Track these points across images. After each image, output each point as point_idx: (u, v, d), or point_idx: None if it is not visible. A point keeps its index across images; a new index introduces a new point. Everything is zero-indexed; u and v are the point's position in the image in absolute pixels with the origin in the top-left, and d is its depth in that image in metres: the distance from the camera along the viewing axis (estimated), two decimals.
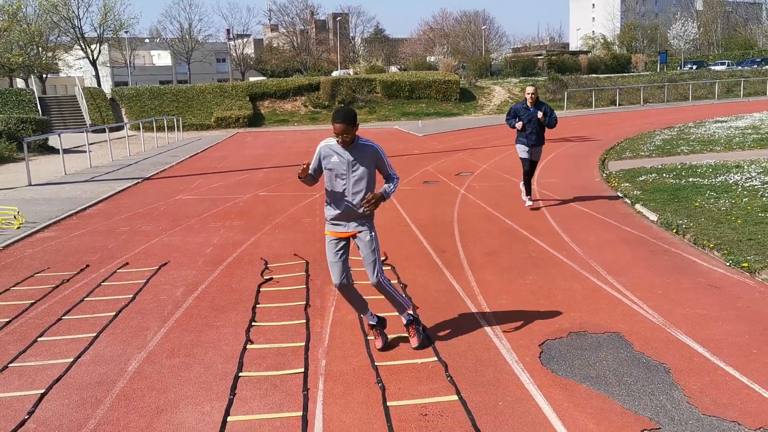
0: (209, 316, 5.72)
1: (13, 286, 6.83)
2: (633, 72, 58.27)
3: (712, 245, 7.33)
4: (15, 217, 9.93)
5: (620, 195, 10.90)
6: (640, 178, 11.98)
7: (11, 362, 4.83)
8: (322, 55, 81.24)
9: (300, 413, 3.90)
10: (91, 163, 18.31)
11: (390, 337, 4.98)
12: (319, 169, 4.62)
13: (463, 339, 4.99)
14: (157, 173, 16.53)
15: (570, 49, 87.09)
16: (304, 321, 5.49)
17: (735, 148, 15.80)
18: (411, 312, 4.98)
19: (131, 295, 6.37)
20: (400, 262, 7.31)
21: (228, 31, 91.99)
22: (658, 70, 59.47)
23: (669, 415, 3.75)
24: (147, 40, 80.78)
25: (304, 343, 4.99)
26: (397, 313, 4.93)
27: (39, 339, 5.27)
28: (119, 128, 31.01)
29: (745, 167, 12.20)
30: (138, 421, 3.91)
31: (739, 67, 56.50)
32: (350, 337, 5.11)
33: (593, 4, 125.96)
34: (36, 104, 35.13)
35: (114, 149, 21.04)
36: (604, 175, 13.26)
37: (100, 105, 37.53)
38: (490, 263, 7.14)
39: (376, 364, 4.60)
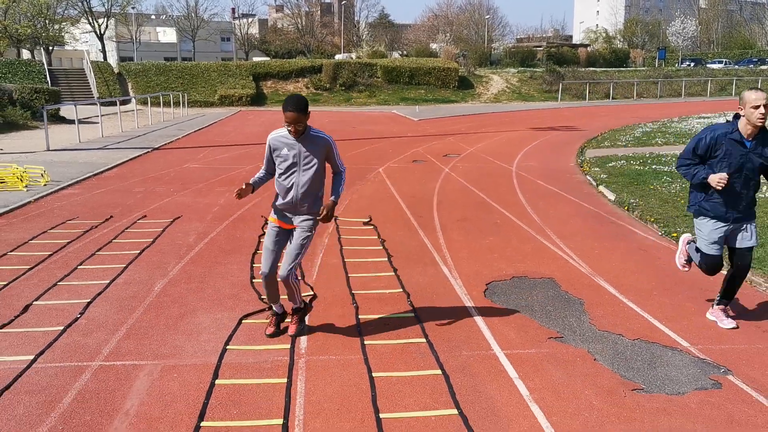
0: (218, 256, 6.87)
1: (50, 228, 7.97)
2: (631, 67, 59.21)
3: (652, 219, 8.49)
4: (42, 175, 11.04)
5: (588, 178, 12.03)
6: (610, 164, 13.11)
7: (59, 281, 5.98)
8: (326, 38, 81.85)
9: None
10: (103, 133, 19.37)
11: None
12: (271, 161, 4.52)
13: (426, 279, 6.15)
14: (165, 144, 17.62)
15: (573, 42, 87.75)
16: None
17: None
18: (301, 306, 4.81)
19: (151, 239, 7.52)
20: (382, 224, 8.45)
21: (233, 10, 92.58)
22: (657, 65, 60.41)
23: (572, 330, 4.92)
24: (153, 17, 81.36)
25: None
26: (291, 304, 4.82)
27: (79, 267, 6.43)
28: (127, 102, 31.99)
29: None
30: (165, 322, 5.06)
31: (736, 66, 57.45)
32: (335, 271, 6.26)
33: None
34: (45, 75, 36.06)
35: (119, 122, 22.08)
36: (579, 161, 14.39)
37: (107, 79, 38.48)
38: (459, 227, 8.29)
39: (353, 292, 5.76)
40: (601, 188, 10.94)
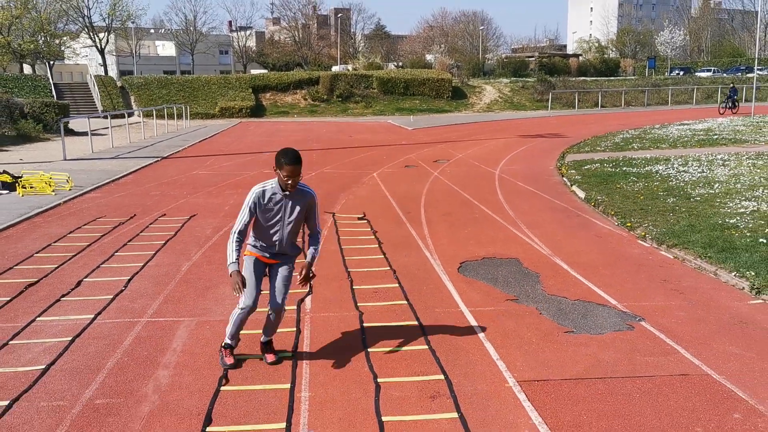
0: None
1: (84, 225, 9.11)
2: (621, 76, 60.60)
3: (613, 213, 9.64)
4: (67, 181, 12.17)
5: (564, 179, 13.20)
6: (585, 167, 14.28)
7: (102, 264, 7.11)
8: (323, 50, 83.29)
9: (306, 289, 6.19)
10: (113, 144, 20.53)
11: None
12: (251, 214, 4.37)
13: (410, 260, 7.29)
14: (173, 153, 18.77)
15: (566, 52, 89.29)
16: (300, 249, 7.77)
17: (678, 146, 18.12)
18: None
19: (173, 233, 8.66)
20: (374, 219, 9.58)
21: (230, 23, 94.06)
22: (647, 75, 61.81)
23: (526, 294, 6.06)
24: (152, 31, 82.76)
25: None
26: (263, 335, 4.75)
27: (115, 254, 7.56)
28: (131, 114, 33.14)
29: (672, 160, 14.53)
30: (195, 292, 6.19)
31: (724, 75, 58.84)
32: (333, 255, 7.39)
33: (591, 8, 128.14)
34: (51, 90, 37.26)
35: (127, 133, 23.24)
36: (558, 164, 15.56)
37: (111, 92, 39.69)
38: (442, 220, 9.44)
39: (349, 270, 6.89)
40: (574, 188, 12.10)
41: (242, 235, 4.38)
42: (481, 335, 5.07)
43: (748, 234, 7.77)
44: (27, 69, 59.68)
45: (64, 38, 58.27)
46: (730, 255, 6.90)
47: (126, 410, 3.93)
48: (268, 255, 4.54)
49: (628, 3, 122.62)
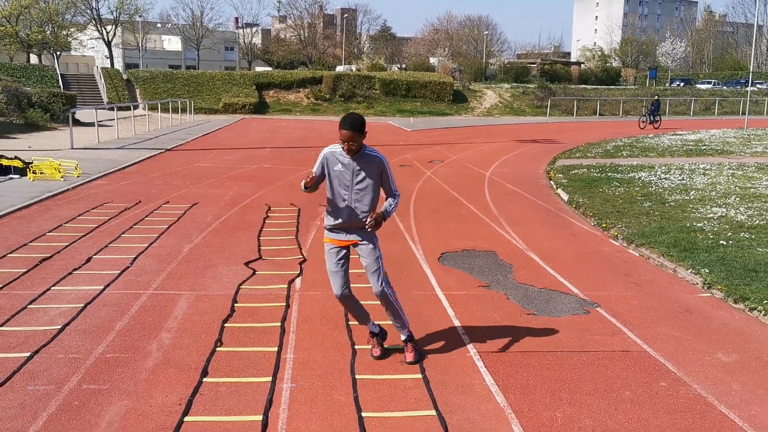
0: (231, 231, 8.59)
1: (92, 209, 9.69)
2: (622, 85, 61.22)
3: (591, 214, 10.21)
4: (75, 168, 12.75)
5: (551, 182, 13.77)
6: (573, 172, 14.85)
7: (110, 243, 7.68)
8: (328, 49, 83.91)
9: (296, 271, 6.76)
10: (119, 135, 21.12)
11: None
12: (322, 176, 4.40)
13: (395, 249, 7.86)
14: (177, 146, 19.36)
15: (570, 60, 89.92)
16: (294, 238, 8.35)
17: (666, 155, 18.70)
18: (410, 331, 4.73)
19: (176, 218, 9.23)
20: None
21: (236, 19, 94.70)
22: (647, 85, 62.43)
23: (497, 281, 6.64)
24: (159, 25, 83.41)
25: (297, 247, 7.85)
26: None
27: (122, 235, 8.14)
28: (136, 107, 33.72)
29: (656, 168, 15.11)
30: (195, 270, 6.77)
31: (723, 87, 59.46)
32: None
33: (596, 17, 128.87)
34: (58, 80, 37.87)
35: (132, 125, 23.82)
36: (548, 169, 16.13)
37: (116, 85, 40.28)
38: (429, 216, 10.02)
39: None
40: (559, 190, 12.68)
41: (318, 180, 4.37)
42: (451, 314, 5.65)
43: (711, 236, 8.34)
44: (33, 59, 60.36)
45: (72, 29, 58.96)
46: (690, 254, 7.47)
47: (133, 363, 4.50)
48: (341, 236, 4.48)
49: (632, 13, 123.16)
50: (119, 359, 4.55)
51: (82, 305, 5.58)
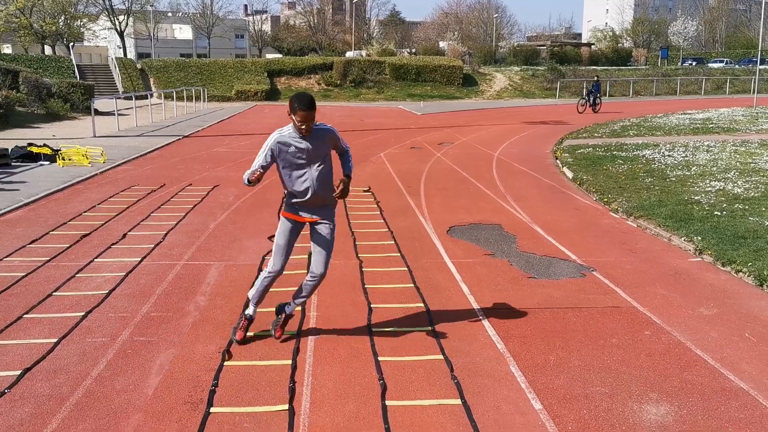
0: (252, 209, 9.16)
1: (120, 191, 10.30)
2: (633, 65, 61.06)
3: (594, 190, 10.68)
4: (101, 154, 13.37)
5: (557, 161, 14.22)
6: (578, 151, 15.27)
7: (141, 222, 8.28)
8: (338, 35, 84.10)
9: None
10: (137, 123, 21.74)
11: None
12: (268, 166, 4.36)
13: (406, 224, 8.40)
14: (194, 133, 19.95)
15: (581, 41, 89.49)
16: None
17: (672, 134, 19.04)
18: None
19: (200, 199, 9.82)
20: (378, 192, 10.68)
21: (246, 7, 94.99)
22: (659, 64, 62.23)
23: (501, 250, 7.16)
24: (169, 14, 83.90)
25: None
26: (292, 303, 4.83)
27: (152, 214, 8.73)
28: (151, 96, 34.36)
29: (661, 146, 15.50)
30: (222, 243, 7.34)
31: (735, 66, 59.17)
32: (339, 219, 8.50)
33: None
34: (74, 71, 38.56)
35: (149, 114, 24.45)
36: (554, 149, 16.55)
37: (131, 74, 40.94)
38: (439, 194, 10.53)
39: (353, 230, 8.01)
40: (564, 169, 13.13)
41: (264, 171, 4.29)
42: (458, 278, 6.18)
43: (707, 208, 8.80)
44: (47, 50, 61.16)
45: (84, 20, 59.67)
46: (685, 224, 7.94)
47: (175, 321, 5.08)
48: (305, 212, 4.50)
49: None
50: (163, 317, 5.13)
51: (124, 274, 6.17)
